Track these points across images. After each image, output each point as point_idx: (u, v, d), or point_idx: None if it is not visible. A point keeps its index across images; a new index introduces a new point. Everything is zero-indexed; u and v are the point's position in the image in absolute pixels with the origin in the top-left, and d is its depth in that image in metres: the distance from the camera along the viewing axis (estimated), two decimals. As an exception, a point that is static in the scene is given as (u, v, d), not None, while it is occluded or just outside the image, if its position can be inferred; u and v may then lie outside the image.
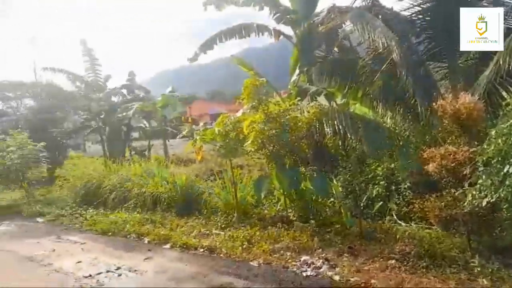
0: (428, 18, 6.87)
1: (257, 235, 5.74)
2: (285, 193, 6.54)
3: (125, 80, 16.61)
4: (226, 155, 6.90)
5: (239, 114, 7.54)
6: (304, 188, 6.43)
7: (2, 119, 22.54)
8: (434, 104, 5.09)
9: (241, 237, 5.68)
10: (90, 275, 4.79)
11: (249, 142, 5.96)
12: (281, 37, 9.51)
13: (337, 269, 4.35)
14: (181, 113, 21.86)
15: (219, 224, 6.61)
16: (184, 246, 5.68)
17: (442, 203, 4.50)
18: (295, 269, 4.48)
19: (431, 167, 4.57)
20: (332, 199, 6.61)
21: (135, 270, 4.86)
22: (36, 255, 5.93)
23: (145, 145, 17.61)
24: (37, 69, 19.67)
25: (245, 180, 7.79)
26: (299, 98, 7.46)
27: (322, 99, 8.97)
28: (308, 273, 4.32)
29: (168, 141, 17.48)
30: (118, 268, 4.96)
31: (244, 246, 5.35)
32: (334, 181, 6.72)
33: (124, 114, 14.43)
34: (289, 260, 4.73)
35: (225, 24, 11.20)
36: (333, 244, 5.11)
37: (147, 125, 17.80)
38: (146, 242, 6.22)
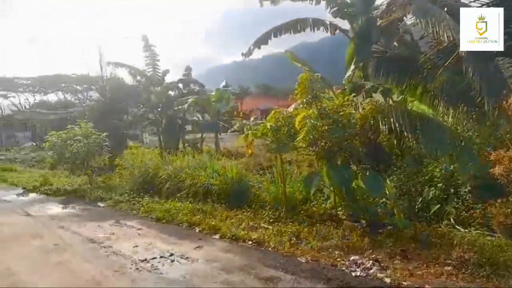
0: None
1: (305, 232, 5.72)
2: (335, 191, 6.43)
3: (182, 74, 17.24)
4: (276, 150, 6.92)
5: (291, 109, 7.52)
6: (356, 186, 6.26)
7: (71, 109, 24.55)
8: (503, 102, 4.69)
9: (289, 232, 5.69)
10: (146, 259, 5.07)
11: (301, 137, 5.92)
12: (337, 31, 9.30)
13: (388, 271, 4.20)
14: (233, 107, 22.35)
15: (267, 218, 6.67)
16: (233, 238, 5.81)
17: (509, 210, 4.15)
18: (343, 268, 4.40)
19: (497, 170, 4.24)
20: (384, 200, 6.38)
21: (187, 257, 5.06)
22: (98, 237, 6.40)
23: (197, 138, 18.22)
24: (103, 64, 21.05)
25: (295, 175, 7.76)
26: (354, 94, 7.26)
27: (378, 96, 8.66)
28: (358, 273, 4.22)
29: (220, 134, 17.92)
30: (171, 255, 5.20)
31: (292, 242, 5.35)
32: (387, 181, 6.47)
33: (179, 107, 15.02)
34: (338, 259, 4.66)
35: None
36: (384, 246, 4.94)
37: (201, 118, 18.39)
38: (197, 231, 6.45)
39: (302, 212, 6.84)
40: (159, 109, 16.51)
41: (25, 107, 49.55)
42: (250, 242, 5.56)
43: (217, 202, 8.00)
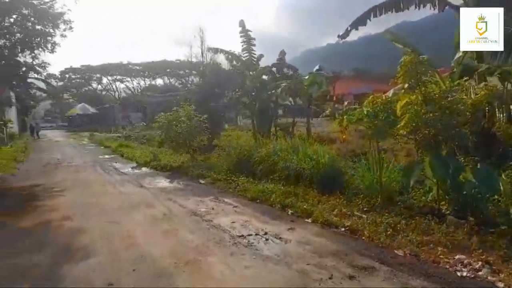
0: None
1: (403, 224, 5.44)
2: (439, 183, 5.95)
3: (276, 59, 17.41)
4: (373, 137, 6.65)
5: (390, 94, 7.12)
6: (463, 180, 5.72)
7: (175, 93, 26.79)
8: None
9: (384, 223, 5.48)
10: (242, 235, 5.42)
11: (402, 124, 5.58)
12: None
13: (501, 275, 3.80)
14: (324, 91, 21.88)
15: (361, 207, 6.52)
16: (325, 223, 5.82)
17: None
18: (447, 267, 4.10)
19: None
20: (496, 196, 5.71)
21: (280, 237, 5.26)
22: (200, 211, 7.01)
23: (289, 122, 18.38)
24: (204, 49, 22.46)
25: (392, 164, 7.39)
26: (465, 78, 6.53)
27: (494, 80, 7.65)
28: (464, 274, 3.90)
29: (312, 119, 17.81)
30: (266, 233, 5.46)
31: (388, 233, 5.15)
32: (503, 176, 5.77)
33: (273, 91, 15.27)
34: (440, 256, 4.35)
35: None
36: (497, 247, 4.45)
37: (293, 102, 18.46)
38: (289, 213, 6.63)
39: (399, 203, 6.51)
40: (253, 93, 17.00)
41: (137, 90, 55.77)
42: (343, 229, 5.52)
43: (308, 186, 8.06)
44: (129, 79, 58.02)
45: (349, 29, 9.54)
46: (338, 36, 9.90)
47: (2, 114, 22.45)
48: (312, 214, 6.24)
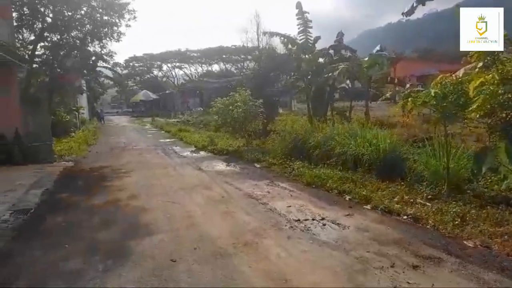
0: None
1: (472, 213, 5.06)
2: (516, 171, 5.40)
3: (333, 40, 16.83)
4: (441, 120, 6.19)
5: (460, 74, 6.53)
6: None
7: (230, 78, 27.15)
8: None
9: (451, 212, 5.13)
10: (299, 220, 5.39)
11: (475, 107, 5.11)
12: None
13: None
14: (385, 74, 20.78)
15: (425, 194, 6.16)
16: (386, 210, 5.60)
17: None
18: (525, 261, 3.75)
19: None
20: None
21: (338, 223, 5.16)
22: (256, 194, 7.10)
23: (346, 106, 17.81)
24: (260, 34, 22.41)
25: (460, 150, 6.84)
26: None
27: None
28: (545, 271, 3.54)
29: (370, 102, 17.08)
30: (323, 219, 5.38)
31: (456, 223, 4.81)
32: None
33: (329, 74, 14.82)
34: (517, 249, 3.98)
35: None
36: None
37: (350, 85, 17.82)
38: (347, 199, 6.47)
39: (467, 191, 6.04)
40: (308, 77, 16.65)
41: (194, 76, 57.53)
42: (405, 217, 5.26)
43: (367, 173, 7.80)
44: (187, 65, 60.04)
45: (414, 5, 8.80)
46: (403, 13, 9.18)
47: (75, 101, 24.45)
48: (371, 201, 6.03)
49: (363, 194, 6.37)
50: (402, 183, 6.88)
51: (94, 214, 6.22)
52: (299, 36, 16.18)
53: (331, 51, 17.02)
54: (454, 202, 5.55)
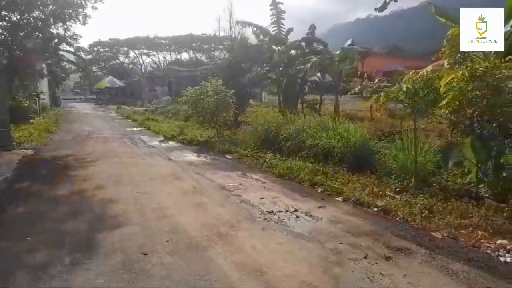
0: None
1: (439, 206, 5.27)
2: (479, 165, 5.67)
3: (305, 33, 16.90)
4: (412, 115, 6.36)
5: (428, 70, 6.74)
6: (505, 163, 5.45)
7: (201, 67, 26.68)
8: None
9: (419, 204, 5.31)
10: (272, 211, 5.38)
11: (445, 103, 5.29)
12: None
13: (549, 264, 3.61)
14: (354, 68, 21.19)
15: (393, 187, 6.34)
16: (357, 202, 5.71)
17: None
18: (489, 251, 3.93)
19: None
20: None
21: (311, 215, 5.19)
22: (228, 185, 7.02)
23: (316, 99, 18.00)
24: (232, 23, 22.12)
25: (428, 145, 7.09)
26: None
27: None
28: (507, 260, 3.73)
29: (340, 96, 17.36)
30: (296, 211, 5.40)
31: (424, 215, 4.99)
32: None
33: (301, 67, 14.90)
34: (481, 240, 4.17)
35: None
36: (542, 234, 4.22)
37: (321, 78, 18.01)
38: (319, 191, 6.53)
39: (434, 184, 6.28)
40: (280, 68, 16.68)
41: (163, 64, 56.06)
42: (375, 209, 5.39)
43: (338, 165, 7.91)
44: (155, 53, 58.36)
45: (387, 1, 9.00)
46: (375, 9, 9.38)
47: (35, 86, 23.08)
48: (343, 193, 6.13)
49: (335, 186, 6.47)
50: (372, 176, 7.04)
51: (59, 205, 5.89)
52: (272, 27, 16.14)
53: (303, 44, 17.11)
54: (421, 195, 5.74)
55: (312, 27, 16.56)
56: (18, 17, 15.12)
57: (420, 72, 6.22)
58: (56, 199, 6.25)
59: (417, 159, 6.37)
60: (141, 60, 61.38)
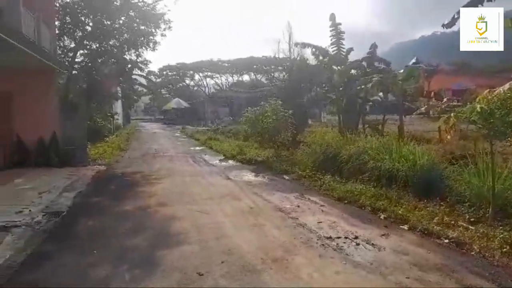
0: None
1: (523, 241, 4.64)
2: None
3: (366, 52, 16.49)
4: (489, 137, 5.79)
5: (506, 87, 6.12)
6: None
7: (261, 89, 27.22)
8: None
9: (499, 237, 4.73)
10: (331, 237, 5.15)
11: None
12: None
13: None
14: (419, 87, 20.11)
15: (467, 217, 5.74)
16: (425, 232, 5.25)
17: None
18: None
19: None
20: None
21: (373, 244, 4.87)
22: (285, 207, 6.91)
23: (377, 119, 17.32)
24: (291, 45, 22.42)
25: (507, 170, 6.38)
26: None
27: None
28: None
29: (404, 116, 16.51)
30: (356, 238, 5.11)
31: (504, 250, 4.42)
32: None
33: (362, 86, 14.49)
34: None
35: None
36: None
37: (383, 98, 17.35)
38: (381, 217, 6.15)
39: (516, 216, 5.58)
40: (340, 88, 16.38)
41: (225, 86, 58.27)
42: (446, 241, 4.91)
43: (402, 190, 7.39)
44: (218, 75, 60.88)
45: (455, 16, 8.45)
46: (443, 25, 8.80)
47: (111, 107, 25.26)
48: (409, 221, 5.70)
49: (399, 213, 6.04)
50: (442, 203, 6.47)
51: (124, 220, 6.24)
52: (331, 48, 15.99)
53: (364, 63, 16.67)
54: (500, 227, 5.13)
55: (373, 46, 16.10)
56: (97, 45, 16.84)
57: (496, 91, 5.67)
58: (123, 214, 6.63)
59: (495, 186, 5.73)
60: (205, 83, 64.42)
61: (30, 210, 6.55)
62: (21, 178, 9.65)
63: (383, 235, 5.24)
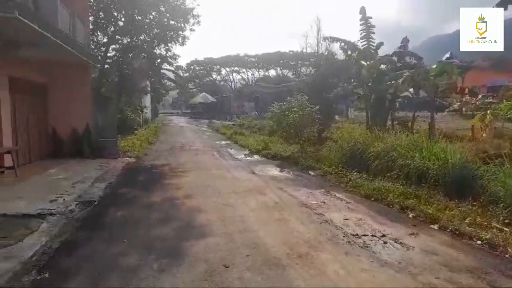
0: None
1: (562, 245, 4.40)
2: None
3: (397, 47, 16.03)
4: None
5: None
6: None
7: (287, 83, 27.05)
8: None
9: (536, 241, 4.51)
10: (357, 234, 5.08)
11: None
12: None
13: None
14: (452, 83, 19.34)
15: (501, 218, 5.50)
16: (456, 232, 5.08)
17: None
18: None
19: None
20: None
21: (401, 242, 4.76)
22: (310, 203, 6.87)
23: (407, 116, 16.84)
24: (320, 39, 22.17)
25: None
26: None
27: None
28: None
29: (436, 113, 15.95)
30: (383, 236, 5.01)
31: (542, 254, 4.22)
32: None
33: (392, 82, 14.10)
34: None
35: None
36: None
37: (414, 94, 16.84)
38: (410, 216, 6.00)
39: (555, 218, 5.31)
40: (369, 84, 16.01)
41: (251, 81, 58.40)
42: (479, 242, 4.73)
43: (432, 189, 7.16)
44: (244, 70, 61.11)
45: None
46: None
47: (140, 101, 25.88)
48: (439, 220, 5.53)
49: (429, 212, 5.87)
50: (474, 203, 6.22)
51: (152, 211, 6.41)
52: (361, 42, 15.63)
53: (395, 58, 16.21)
54: (538, 230, 4.89)
55: (405, 40, 15.65)
56: (129, 39, 17.27)
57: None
58: (151, 205, 6.81)
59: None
60: (231, 77, 64.82)
61: (64, 199, 6.83)
62: (55, 168, 10.08)
63: (411, 234, 5.11)
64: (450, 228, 5.19)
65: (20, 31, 7.66)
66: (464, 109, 18.12)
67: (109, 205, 6.85)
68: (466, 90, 15.78)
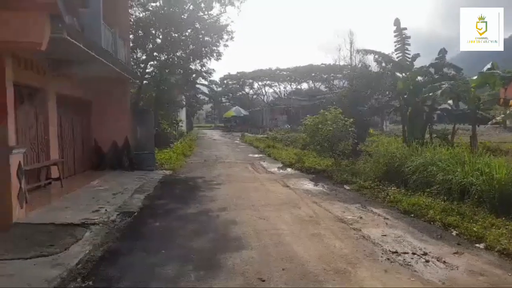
0: None
1: None
2: None
3: (434, 58, 15.58)
4: None
5: None
6: None
7: (319, 96, 26.95)
8: None
9: None
10: (397, 252, 4.91)
11: None
12: None
13: None
14: (494, 95, 18.46)
15: (556, 238, 5.14)
16: (504, 252, 4.79)
17: None
18: None
19: None
20: None
21: (444, 261, 4.55)
22: (346, 218, 6.74)
23: (446, 129, 16.22)
24: (353, 51, 22.03)
25: None
26: None
27: None
28: None
29: (478, 126, 15.25)
30: (425, 254, 4.81)
31: None
32: None
33: (429, 94, 13.69)
34: None
35: None
36: None
37: (454, 107, 16.21)
38: (453, 234, 5.74)
39: None
40: (405, 96, 15.64)
41: (283, 94, 58.68)
42: (530, 263, 4.44)
43: (476, 205, 6.82)
44: (276, 83, 61.60)
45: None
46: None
47: (176, 115, 26.67)
48: (485, 239, 5.24)
49: (474, 230, 5.58)
50: (526, 221, 5.86)
51: (188, 222, 6.54)
52: (396, 54, 15.40)
53: (432, 69, 15.76)
54: None
55: (442, 51, 15.19)
56: (166, 56, 17.95)
57: None
58: (187, 217, 6.96)
59: None
60: (264, 91, 65.45)
61: (105, 210, 7.12)
62: (97, 179, 10.54)
63: (455, 253, 4.88)
64: (498, 247, 4.90)
65: (68, 51, 8.18)
66: (508, 121, 17.26)
67: (147, 215, 7.07)
68: (510, 102, 14.99)
